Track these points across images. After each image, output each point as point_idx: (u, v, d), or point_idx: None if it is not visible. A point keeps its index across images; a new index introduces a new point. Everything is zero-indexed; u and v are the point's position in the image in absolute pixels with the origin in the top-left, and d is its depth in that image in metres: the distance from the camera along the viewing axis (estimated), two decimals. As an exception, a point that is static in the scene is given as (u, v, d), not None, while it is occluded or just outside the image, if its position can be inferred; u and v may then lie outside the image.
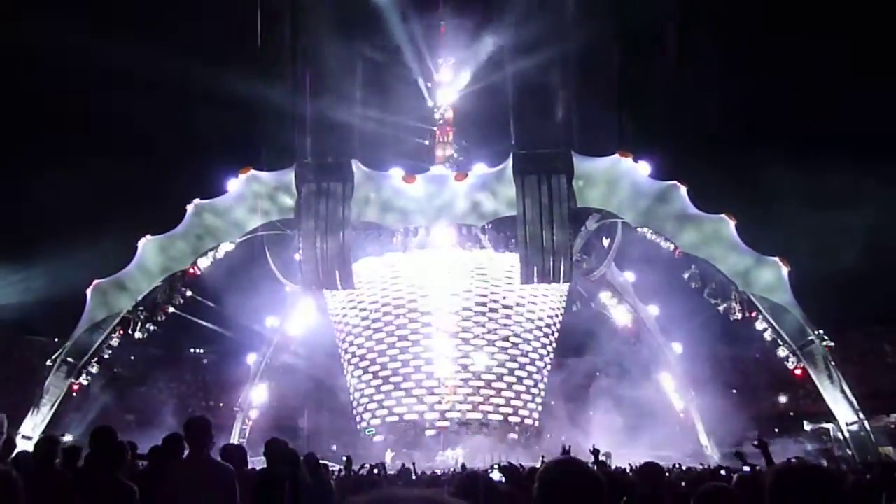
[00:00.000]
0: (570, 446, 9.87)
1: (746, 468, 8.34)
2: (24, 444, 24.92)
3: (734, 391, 39.88)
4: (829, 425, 30.91)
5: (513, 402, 33.81)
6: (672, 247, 29.14)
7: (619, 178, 29.85)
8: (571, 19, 36.97)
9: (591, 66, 37.69)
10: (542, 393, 35.32)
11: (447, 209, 31.41)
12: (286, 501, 6.52)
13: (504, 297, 33.89)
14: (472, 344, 33.60)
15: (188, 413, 36.53)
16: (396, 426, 33.46)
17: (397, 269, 34.23)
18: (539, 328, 34.78)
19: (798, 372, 27.98)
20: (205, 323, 36.36)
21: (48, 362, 29.26)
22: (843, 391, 26.88)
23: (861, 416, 26.64)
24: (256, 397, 37.22)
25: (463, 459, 26.01)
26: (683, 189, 29.35)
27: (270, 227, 32.03)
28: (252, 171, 30.73)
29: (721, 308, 28.93)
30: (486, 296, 33.92)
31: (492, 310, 33.87)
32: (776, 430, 37.73)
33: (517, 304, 34.06)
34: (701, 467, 18.90)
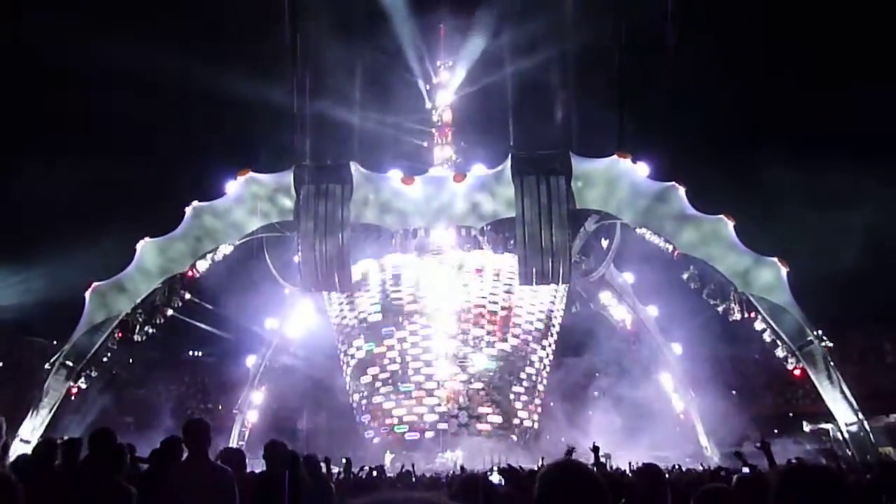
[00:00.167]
0: (573, 447, 9.86)
1: (746, 469, 8.34)
2: (22, 448, 24.91)
3: (734, 391, 39.85)
4: (829, 425, 30.88)
5: (512, 404, 33.80)
6: (671, 247, 29.16)
7: (617, 178, 29.86)
8: (570, 20, 36.99)
9: (589, 67, 37.72)
10: (542, 394, 35.33)
11: (446, 211, 31.41)
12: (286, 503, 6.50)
13: (503, 299, 33.89)
14: (472, 345, 33.59)
15: (187, 415, 36.55)
16: (396, 428, 33.46)
17: (396, 270, 34.23)
18: (538, 329, 34.78)
19: (797, 372, 27.97)
20: (203, 325, 36.37)
21: (47, 365, 29.20)
22: (842, 391, 26.85)
23: (860, 416, 26.61)
24: (255, 399, 37.20)
25: (462, 461, 25.98)
26: (682, 190, 29.36)
27: (269, 228, 32.02)
28: (251, 173, 30.72)
29: (720, 309, 28.92)
30: (485, 297, 33.94)
31: (491, 311, 33.88)
32: (776, 430, 37.71)
33: (516, 306, 34.06)
34: (701, 468, 18.92)
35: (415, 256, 34.17)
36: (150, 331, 30.63)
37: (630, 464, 14.74)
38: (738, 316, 28.43)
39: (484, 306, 33.81)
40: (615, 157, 29.89)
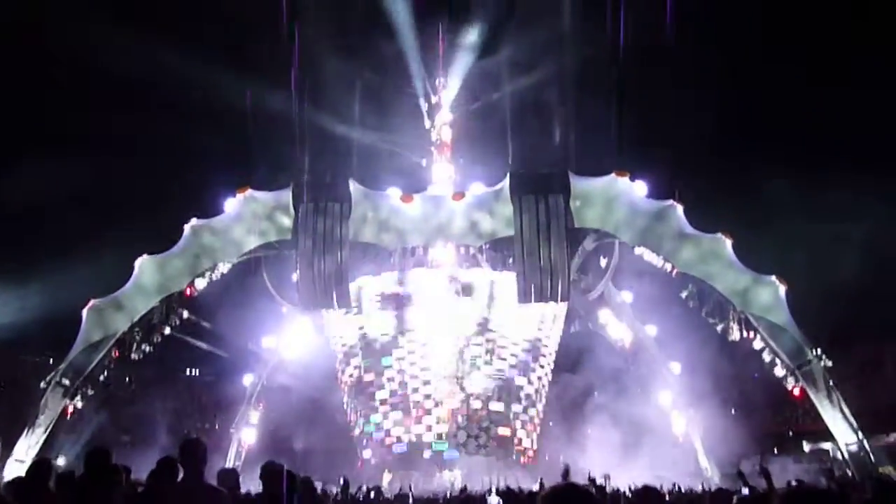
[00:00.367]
0: (568, 466, 9.79)
1: (746, 490, 8.28)
2: (17, 468, 24.73)
3: (733, 410, 39.70)
4: (829, 445, 30.77)
5: (510, 424, 33.62)
6: (669, 266, 29.16)
7: (615, 198, 29.94)
8: (568, 39, 37.29)
9: (587, 86, 37.97)
10: (541, 413, 35.16)
11: (445, 229, 31.43)
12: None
13: (502, 317, 33.79)
14: (471, 364, 33.45)
15: (184, 434, 36.33)
16: (394, 447, 33.25)
17: (395, 288, 34.15)
18: (537, 348, 34.67)
19: (797, 392, 27.87)
20: (201, 343, 36.24)
21: (42, 383, 29.00)
22: (842, 411, 26.76)
23: (860, 435, 26.50)
24: (252, 418, 36.98)
25: (461, 481, 25.84)
26: (680, 208, 29.45)
27: (268, 247, 31.99)
28: (250, 191, 30.75)
29: (719, 327, 28.88)
30: (484, 316, 33.83)
31: (490, 330, 33.78)
32: (775, 449, 37.56)
33: (515, 324, 33.97)
34: (701, 488, 18.80)
35: (413, 274, 34.09)
36: (148, 349, 30.49)
37: (630, 486, 14.65)
38: (736, 335, 28.40)
39: (483, 325, 33.69)
40: (613, 175, 29.99)
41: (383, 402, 33.81)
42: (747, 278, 28.48)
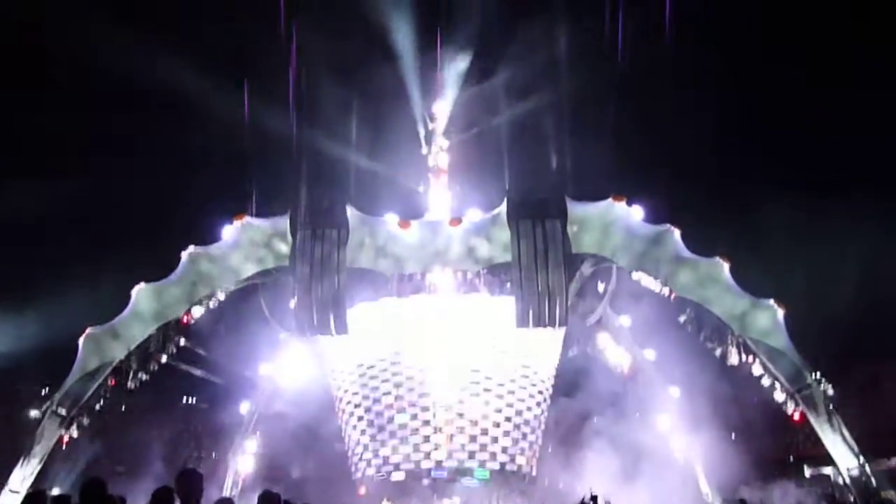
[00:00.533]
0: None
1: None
2: (11, 499, 24.45)
3: (733, 435, 39.49)
4: (830, 470, 30.56)
5: (509, 450, 33.38)
6: (667, 290, 29.17)
7: (613, 223, 30.02)
8: (565, 64, 37.63)
9: (584, 110, 38.24)
10: (539, 439, 34.92)
11: (442, 255, 31.44)
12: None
13: (500, 342, 33.69)
14: (469, 390, 33.29)
15: (180, 463, 36.03)
16: (392, 475, 32.97)
17: (392, 314, 34.07)
18: (535, 373, 34.53)
19: (797, 416, 27.74)
20: (197, 371, 36.05)
21: (38, 412, 28.75)
22: (842, 436, 26.62)
23: (862, 460, 26.35)
24: (249, 447, 36.68)
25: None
26: (677, 232, 29.54)
27: (265, 274, 31.95)
28: (247, 218, 30.79)
29: (717, 352, 28.82)
30: (481, 341, 33.72)
31: (488, 355, 33.65)
32: (776, 474, 37.24)
33: (513, 350, 33.86)
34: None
35: (411, 300, 34.04)
36: (144, 377, 30.31)
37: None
38: (735, 359, 28.33)
39: (481, 350, 33.57)
40: (610, 200, 30.11)
41: (381, 429, 33.58)
42: (745, 302, 28.46)
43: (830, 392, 27.15)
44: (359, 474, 34.30)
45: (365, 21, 39.74)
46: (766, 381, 28.06)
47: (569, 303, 30.65)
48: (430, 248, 31.25)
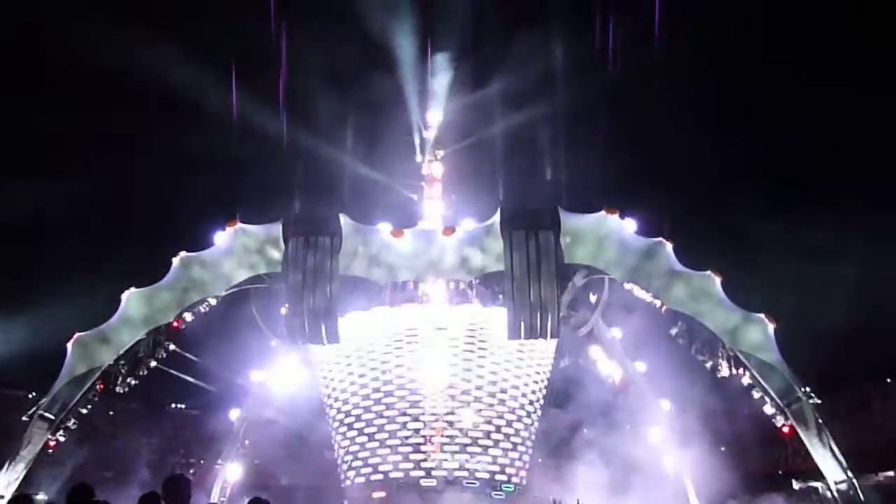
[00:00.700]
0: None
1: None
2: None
3: (723, 448, 39.55)
4: (819, 484, 30.61)
5: (499, 460, 33.31)
6: (659, 303, 29.23)
7: (606, 236, 30.02)
8: (560, 76, 37.83)
9: (579, 123, 38.47)
10: (530, 450, 34.87)
11: (435, 264, 31.37)
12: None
13: (491, 353, 33.67)
14: (459, 400, 33.24)
15: (168, 469, 35.81)
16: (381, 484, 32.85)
17: (384, 323, 34.02)
18: (526, 384, 34.51)
19: (786, 430, 27.83)
20: (187, 377, 35.85)
21: (24, 417, 28.51)
22: (831, 450, 26.70)
23: (850, 474, 26.43)
24: (238, 454, 36.47)
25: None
26: (669, 246, 29.60)
27: (257, 280, 31.86)
28: (240, 224, 30.66)
29: (708, 365, 28.89)
30: (472, 352, 33.69)
31: (479, 366, 33.63)
32: (764, 488, 37.27)
33: (504, 360, 33.84)
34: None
35: (403, 309, 33.99)
36: (133, 382, 30.13)
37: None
38: (726, 372, 28.43)
39: (472, 360, 33.55)
40: (603, 212, 30.13)
41: (371, 437, 33.47)
42: (737, 316, 28.55)
43: (819, 402, 27.29)
44: (348, 482, 34.14)
45: (360, 30, 39.98)
46: (756, 395, 28.18)
47: (561, 315, 30.63)
48: (424, 257, 31.19)
